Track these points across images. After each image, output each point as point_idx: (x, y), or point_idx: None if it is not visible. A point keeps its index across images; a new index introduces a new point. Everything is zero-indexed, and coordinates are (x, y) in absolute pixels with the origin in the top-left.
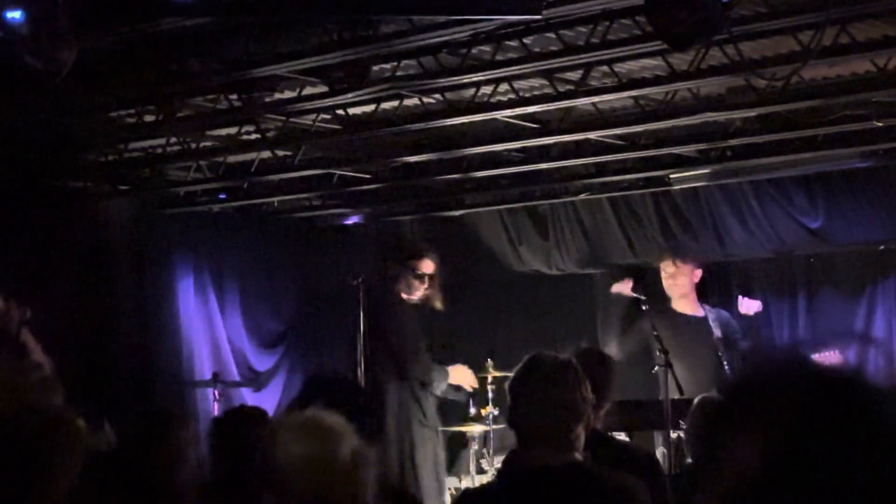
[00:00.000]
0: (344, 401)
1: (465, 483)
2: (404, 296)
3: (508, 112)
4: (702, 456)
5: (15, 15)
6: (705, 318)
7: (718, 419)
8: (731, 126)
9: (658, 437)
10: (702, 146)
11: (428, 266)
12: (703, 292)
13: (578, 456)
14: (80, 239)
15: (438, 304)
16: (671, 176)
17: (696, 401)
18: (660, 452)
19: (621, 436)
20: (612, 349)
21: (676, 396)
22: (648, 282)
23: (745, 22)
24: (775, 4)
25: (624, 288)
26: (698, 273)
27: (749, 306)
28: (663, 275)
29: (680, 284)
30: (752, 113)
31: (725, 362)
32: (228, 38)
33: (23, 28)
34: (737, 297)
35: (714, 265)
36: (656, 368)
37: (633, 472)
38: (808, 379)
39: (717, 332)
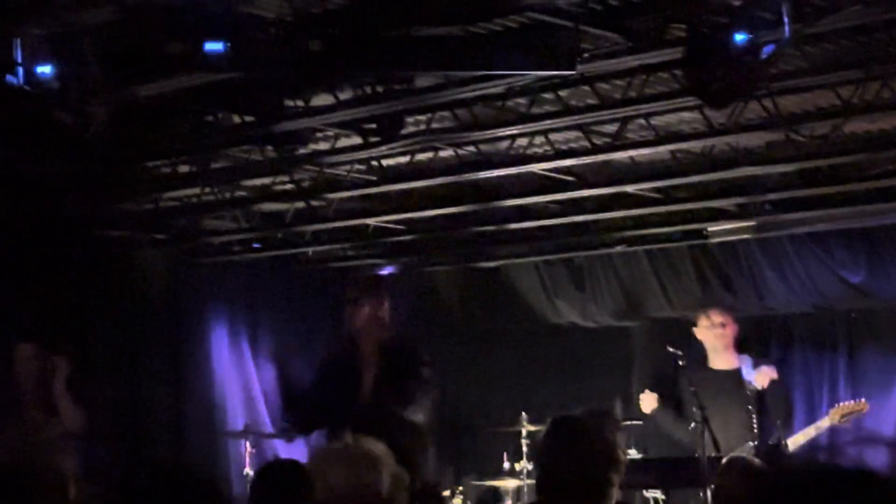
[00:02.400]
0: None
1: None
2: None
3: (544, 165)
4: None
5: (45, 69)
6: (739, 371)
7: None
8: (771, 179)
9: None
10: (741, 200)
11: (350, 292)
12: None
13: None
14: (115, 288)
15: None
16: (709, 229)
17: (724, 460)
18: None
19: (657, 493)
20: (684, 434)
21: (713, 454)
22: (684, 338)
23: (785, 77)
24: (815, 60)
25: (651, 402)
26: (735, 328)
27: (762, 378)
28: (708, 325)
29: (728, 335)
30: (791, 167)
31: (755, 417)
32: (263, 91)
33: (52, 82)
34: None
35: (753, 320)
36: (693, 425)
37: None
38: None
39: (751, 385)
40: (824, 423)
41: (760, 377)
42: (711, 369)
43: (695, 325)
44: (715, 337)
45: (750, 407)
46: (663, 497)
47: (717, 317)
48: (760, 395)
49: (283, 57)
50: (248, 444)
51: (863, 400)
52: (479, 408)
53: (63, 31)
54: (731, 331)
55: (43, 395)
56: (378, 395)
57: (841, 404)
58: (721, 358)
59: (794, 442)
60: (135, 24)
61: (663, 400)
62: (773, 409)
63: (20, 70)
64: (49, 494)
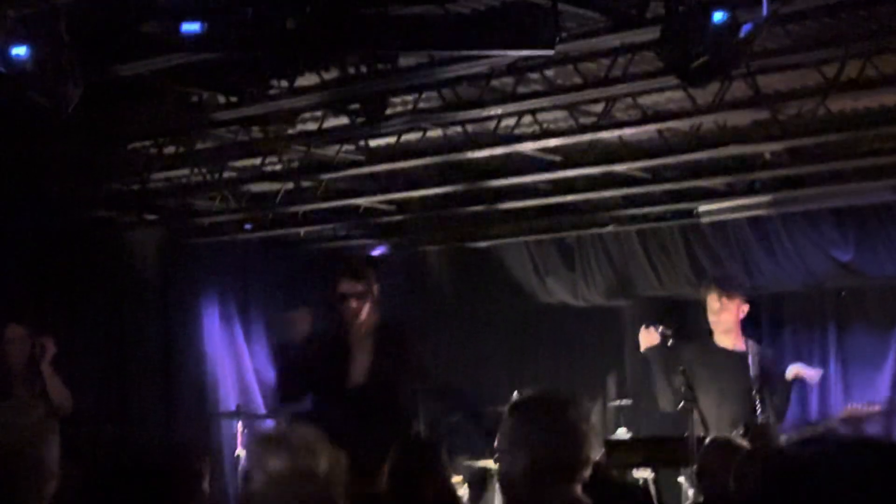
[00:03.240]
0: None
1: None
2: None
3: (531, 144)
4: None
5: (19, 51)
6: (745, 354)
7: None
8: (759, 158)
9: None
10: (729, 179)
11: (344, 287)
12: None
13: (583, 497)
14: (105, 269)
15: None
16: (699, 209)
17: (707, 440)
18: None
19: (646, 472)
20: (665, 391)
21: (702, 433)
22: (674, 317)
23: (768, 54)
24: (799, 37)
25: (651, 339)
26: (745, 308)
27: (796, 372)
28: (709, 309)
29: (724, 321)
30: (779, 146)
31: (758, 402)
32: (247, 71)
33: (27, 64)
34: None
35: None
36: (682, 404)
37: None
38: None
39: (754, 370)
40: (833, 422)
41: (800, 372)
42: (716, 346)
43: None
44: (713, 323)
45: (753, 393)
46: (653, 476)
47: (714, 302)
48: (763, 383)
49: (260, 37)
50: (240, 424)
51: (876, 404)
52: (469, 387)
53: (38, 12)
54: (728, 317)
55: (32, 376)
56: (371, 378)
57: (851, 406)
58: (722, 340)
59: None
60: (110, 4)
61: (664, 341)
62: (773, 397)
63: None
64: (31, 477)
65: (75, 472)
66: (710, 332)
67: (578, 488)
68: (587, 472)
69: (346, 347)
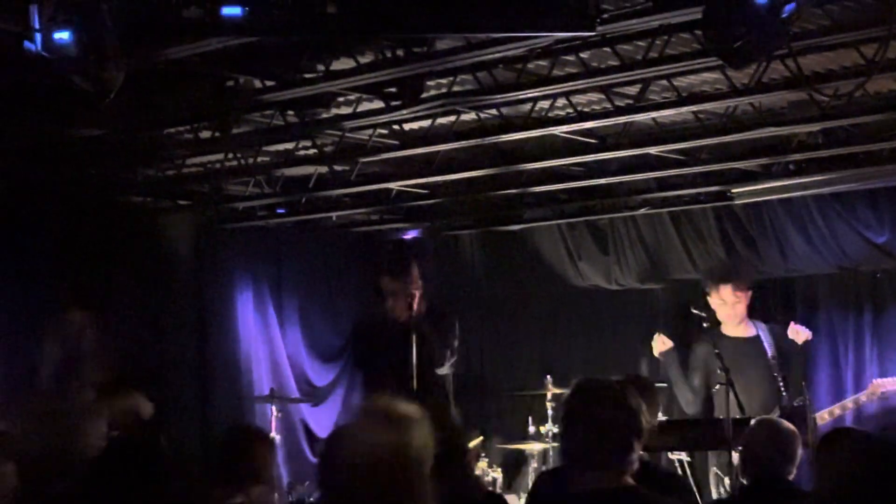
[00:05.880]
0: None
1: (524, 501)
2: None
3: (566, 127)
4: None
5: (63, 36)
6: (758, 337)
7: None
8: (794, 140)
9: (712, 458)
10: (764, 161)
11: (385, 284)
12: (756, 309)
13: (631, 481)
14: (140, 253)
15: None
16: (733, 191)
17: (752, 422)
18: (713, 473)
19: (682, 455)
20: (684, 392)
21: (738, 416)
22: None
23: (807, 35)
24: (838, 18)
25: (663, 344)
26: (749, 294)
27: (798, 333)
28: (719, 303)
29: (739, 313)
30: (815, 127)
31: (780, 382)
32: (283, 55)
33: (70, 49)
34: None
35: (777, 281)
36: (717, 387)
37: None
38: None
39: (771, 351)
40: (862, 398)
41: (798, 335)
42: (728, 337)
43: (707, 292)
44: (727, 315)
45: (775, 374)
46: (688, 459)
47: (729, 296)
48: (783, 361)
49: (300, 20)
50: (273, 408)
51: None
52: (503, 371)
53: None
54: (742, 307)
55: (70, 348)
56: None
57: (877, 381)
58: (734, 329)
59: (831, 413)
60: None
61: (674, 349)
62: (795, 372)
63: (38, 36)
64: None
65: None
66: (718, 324)
67: (630, 473)
68: (636, 460)
69: (389, 338)
